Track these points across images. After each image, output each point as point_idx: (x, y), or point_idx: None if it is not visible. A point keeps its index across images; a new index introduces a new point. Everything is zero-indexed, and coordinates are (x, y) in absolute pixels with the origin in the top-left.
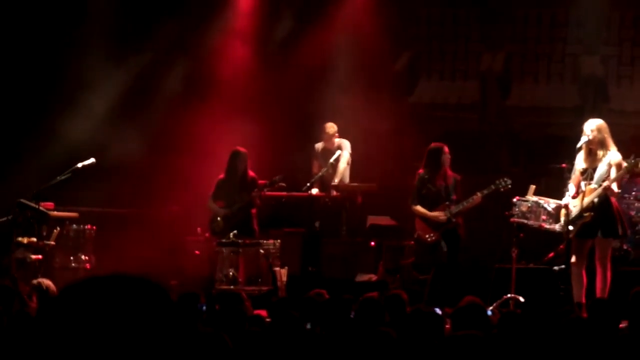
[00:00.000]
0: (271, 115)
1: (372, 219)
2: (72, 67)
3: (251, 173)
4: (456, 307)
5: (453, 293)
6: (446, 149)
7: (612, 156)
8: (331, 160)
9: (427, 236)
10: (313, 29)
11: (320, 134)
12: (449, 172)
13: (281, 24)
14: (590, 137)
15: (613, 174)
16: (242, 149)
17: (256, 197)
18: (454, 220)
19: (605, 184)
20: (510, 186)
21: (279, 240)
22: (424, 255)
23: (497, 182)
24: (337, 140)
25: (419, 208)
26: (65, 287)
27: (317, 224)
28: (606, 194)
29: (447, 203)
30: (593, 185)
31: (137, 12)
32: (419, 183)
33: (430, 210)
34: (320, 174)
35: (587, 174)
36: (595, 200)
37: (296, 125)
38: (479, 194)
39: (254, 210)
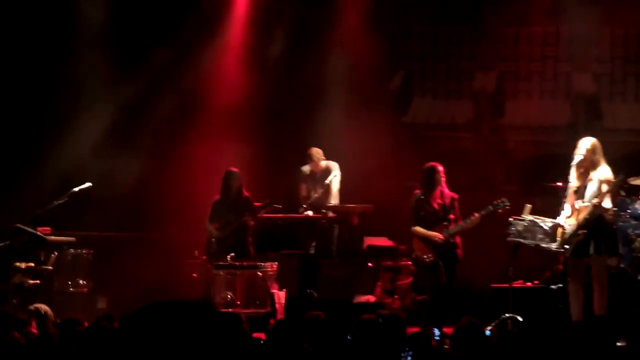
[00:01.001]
0: (266, 137)
1: (369, 240)
2: (68, 92)
3: (245, 193)
4: (455, 327)
5: (451, 313)
6: (440, 167)
7: (601, 172)
8: (326, 181)
9: (424, 257)
10: (307, 49)
11: (305, 158)
12: (446, 192)
13: (275, 45)
14: (584, 156)
15: (602, 190)
16: (234, 169)
17: (249, 219)
18: (451, 241)
19: (595, 200)
20: (508, 207)
21: (276, 263)
22: (422, 276)
23: (496, 202)
24: (324, 163)
25: (418, 229)
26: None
27: (312, 246)
28: (599, 211)
29: (444, 223)
30: (585, 203)
31: (132, 37)
32: (415, 204)
33: (428, 230)
34: (315, 195)
35: (580, 192)
36: (587, 218)
37: (291, 146)
38: (477, 215)
39: (248, 232)
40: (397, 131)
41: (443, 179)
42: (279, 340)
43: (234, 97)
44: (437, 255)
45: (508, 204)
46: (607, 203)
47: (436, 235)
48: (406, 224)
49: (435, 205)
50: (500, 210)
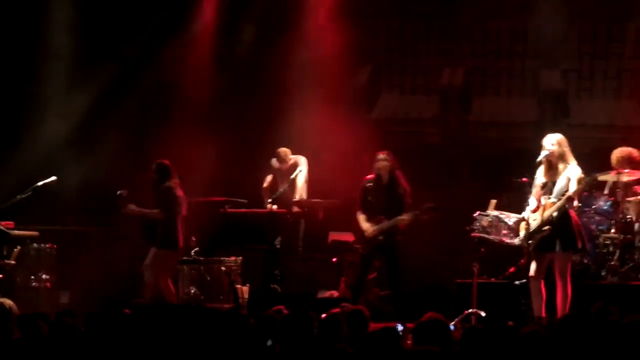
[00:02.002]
0: (233, 132)
1: (333, 235)
2: (33, 87)
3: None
4: (418, 322)
5: (406, 310)
6: (380, 154)
7: (571, 170)
8: (292, 176)
9: (357, 246)
10: (274, 44)
11: (274, 156)
12: (401, 182)
13: (242, 40)
14: (550, 151)
15: (572, 187)
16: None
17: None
18: (380, 237)
19: (564, 198)
20: (435, 212)
21: (240, 257)
22: (354, 268)
23: (425, 207)
24: (292, 157)
25: (359, 216)
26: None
27: (277, 242)
28: (565, 207)
29: (381, 217)
30: (552, 199)
31: (100, 34)
32: (362, 190)
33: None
34: (281, 190)
35: (547, 188)
36: (555, 214)
37: (258, 143)
38: (405, 218)
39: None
40: (364, 126)
41: (382, 167)
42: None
43: (200, 93)
44: (368, 249)
45: (437, 209)
46: (573, 200)
47: (367, 228)
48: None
49: (377, 196)
50: (426, 217)
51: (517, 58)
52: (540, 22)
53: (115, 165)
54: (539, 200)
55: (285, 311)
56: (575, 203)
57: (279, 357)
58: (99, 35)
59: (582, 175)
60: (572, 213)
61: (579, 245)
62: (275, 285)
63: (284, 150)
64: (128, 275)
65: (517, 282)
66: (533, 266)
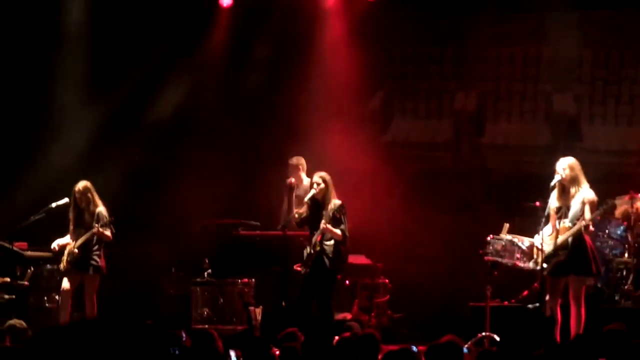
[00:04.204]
0: (246, 156)
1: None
2: (47, 107)
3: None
4: (431, 344)
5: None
6: (292, 160)
7: (585, 193)
8: (306, 199)
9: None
10: (288, 68)
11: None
12: (334, 197)
13: (255, 63)
14: (563, 176)
15: (587, 211)
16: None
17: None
18: (314, 250)
19: (583, 222)
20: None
21: (253, 280)
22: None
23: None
24: (307, 181)
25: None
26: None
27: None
28: (580, 232)
29: (315, 232)
30: (567, 224)
31: (112, 55)
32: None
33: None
34: (291, 215)
35: (562, 212)
36: (570, 238)
37: (271, 165)
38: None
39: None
40: (377, 150)
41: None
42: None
43: (214, 114)
44: (307, 266)
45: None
46: (588, 225)
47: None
48: (383, 242)
49: (309, 209)
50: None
51: (530, 82)
52: (553, 47)
53: (128, 186)
54: (554, 226)
55: (300, 333)
56: (591, 228)
57: None
58: (111, 56)
59: (596, 199)
60: (587, 237)
61: (594, 269)
62: (285, 302)
63: (295, 157)
64: (141, 296)
65: (530, 306)
66: (548, 291)
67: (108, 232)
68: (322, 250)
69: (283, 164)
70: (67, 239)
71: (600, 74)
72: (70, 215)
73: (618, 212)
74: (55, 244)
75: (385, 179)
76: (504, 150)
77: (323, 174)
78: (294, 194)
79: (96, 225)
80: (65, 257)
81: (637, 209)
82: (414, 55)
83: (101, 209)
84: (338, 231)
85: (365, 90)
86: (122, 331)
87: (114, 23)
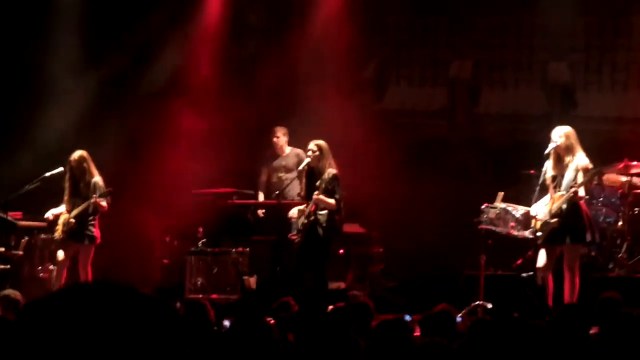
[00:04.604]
0: (241, 124)
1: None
2: (39, 74)
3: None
4: (425, 313)
5: (418, 300)
6: (275, 130)
7: (579, 160)
8: (299, 167)
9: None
10: (282, 38)
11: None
12: (331, 166)
13: (249, 34)
14: (558, 144)
15: (580, 178)
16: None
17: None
18: (307, 220)
19: (573, 189)
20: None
21: (247, 249)
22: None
23: None
24: (290, 149)
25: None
26: (49, 295)
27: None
28: (574, 199)
29: (309, 202)
30: (561, 192)
31: (105, 20)
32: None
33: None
34: (289, 182)
35: (557, 181)
36: (564, 206)
37: (265, 135)
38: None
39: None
40: (372, 118)
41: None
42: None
43: (205, 82)
44: (301, 235)
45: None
46: (582, 191)
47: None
48: (378, 211)
49: (305, 180)
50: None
51: (525, 51)
52: (547, 15)
53: (123, 155)
54: (551, 194)
55: (294, 302)
56: (582, 193)
57: (293, 348)
58: (102, 27)
59: (589, 165)
60: (582, 205)
61: (589, 237)
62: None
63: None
64: (136, 265)
65: (524, 275)
66: (542, 258)
67: (104, 203)
68: (316, 220)
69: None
70: (61, 209)
71: (595, 41)
72: (66, 184)
73: (612, 180)
74: (49, 214)
75: (380, 147)
76: (499, 119)
77: (319, 141)
78: (272, 165)
79: (94, 195)
80: (60, 227)
81: (631, 177)
82: (409, 24)
83: (97, 179)
84: (331, 201)
85: (360, 59)
86: (116, 296)
87: None
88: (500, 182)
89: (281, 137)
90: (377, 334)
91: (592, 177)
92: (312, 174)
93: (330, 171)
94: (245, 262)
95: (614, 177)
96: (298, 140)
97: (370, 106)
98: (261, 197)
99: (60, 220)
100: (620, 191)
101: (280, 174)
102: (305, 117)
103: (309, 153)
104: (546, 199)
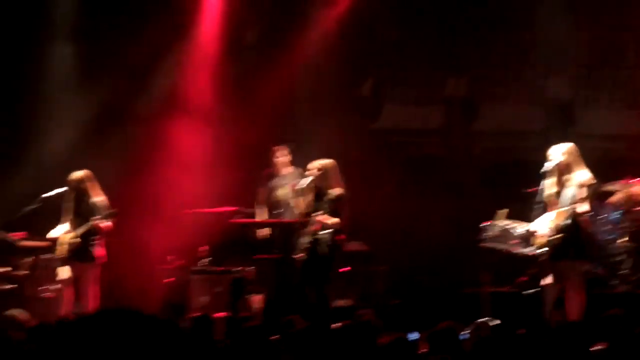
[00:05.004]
0: (238, 144)
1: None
2: (39, 95)
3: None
4: (430, 331)
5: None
6: (275, 150)
7: (580, 176)
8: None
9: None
10: (277, 56)
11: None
12: (337, 186)
13: (245, 50)
14: (560, 161)
15: (583, 194)
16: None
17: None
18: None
19: (574, 205)
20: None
21: (253, 267)
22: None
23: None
24: (291, 168)
25: None
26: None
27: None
28: (576, 215)
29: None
30: (563, 208)
31: (104, 38)
32: None
33: None
34: (291, 200)
35: (560, 197)
36: (567, 222)
37: (262, 153)
38: None
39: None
40: (367, 137)
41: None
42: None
43: (203, 100)
44: (304, 254)
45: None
46: (584, 207)
47: None
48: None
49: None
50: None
51: (524, 66)
52: (546, 31)
53: (124, 173)
54: (553, 211)
55: (300, 320)
56: (586, 209)
57: None
58: (99, 45)
59: (591, 181)
60: (586, 221)
61: (591, 253)
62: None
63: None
64: (139, 284)
65: (527, 291)
66: (547, 275)
67: (107, 224)
68: (319, 239)
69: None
70: (64, 227)
71: (595, 58)
72: (67, 204)
73: (614, 198)
74: (53, 233)
75: (378, 166)
76: (496, 136)
77: (325, 161)
78: (270, 184)
79: (92, 218)
80: (61, 246)
81: (632, 194)
82: (404, 41)
83: (98, 199)
84: (334, 220)
85: (355, 77)
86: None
87: (104, 7)
88: (498, 199)
89: (281, 157)
90: (383, 352)
91: (595, 192)
92: (318, 193)
93: (335, 191)
94: (250, 281)
95: (620, 196)
96: (294, 158)
97: (365, 125)
98: (261, 215)
99: (61, 240)
100: (622, 208)
101: (280, 193)
102: (300, 135)
103: (307, 172)
104: (547, 215)
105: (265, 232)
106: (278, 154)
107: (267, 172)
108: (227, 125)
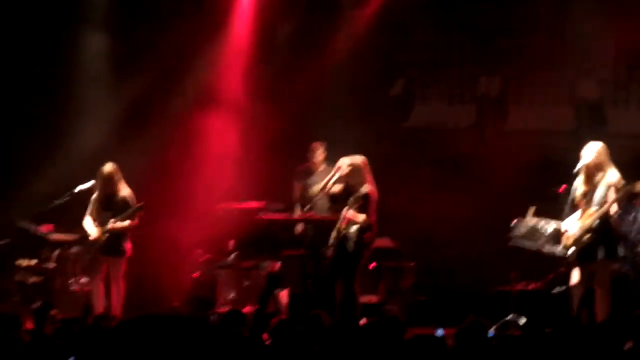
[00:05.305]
0: (268, 140)
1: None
2: (70, 89)
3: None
4: (459, 327)
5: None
6: (313, 146)
7: (610, 177)
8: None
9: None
10: (309, 55)
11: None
12: (367, 183)
13: (277, 50)
14: (589, 161)
15: (611, 194)
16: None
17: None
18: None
19: (606, 206)
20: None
21: (279, 262)
22: None
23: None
24: (325, 166)
25: None
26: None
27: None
28: (605, 216)
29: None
30: (593, 208)
31: (136, 37)
32: None
33: None
34: (319, 196)
35: (588, 197)
36: (596, 222)
37: (293, 150)
38: None
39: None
40: (399, 136)
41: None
42: (282, 339)
43: (235, 96)
44: (332, 249)
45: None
46: (613, 208)
47: None
48: (408, 226)
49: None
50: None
51: (553, 67)
52: (575, 32)
53: (153, 168)
54: (582, 210)
55: (325, 316)
56: (614, 210)
57: None
58: (136, 35)
59: (620, 182)
60: (614, 221)
61: (621, 253)
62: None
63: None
64: (167, 278)
65: (555, 290)
66: (575, 275)
67: (131, 221)
68: (347, 234)
69: (305, 149)
70: (91, 221)
71: (624, 58)
72: (96, 197)
73: None
74: (86, 225)
75: (409, 164)
76: (527, 135)
77: (354, 159)
78: (306, 180)
79: (121, 216)
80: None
81: None
82: (436, 41)
83: (126, 193)
84: (362, 217)
85: (387, 77)
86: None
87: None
88: (529, 198)
89: (319, 153)
90: (409, 349)
91: (625, 194)
92: (347, 190)
93: (364, 189)
94: (277, 276)
95: None
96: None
97: (396, 124)
98: (298, 212)
99: (92, 231)
100: None
101: (315, 190)
102: (332, 134)
103: (343, 168)
104: (576, 215)
105: (300, 228)
106: (317, 151)
107: (302, 167)
108: (259, 122)
